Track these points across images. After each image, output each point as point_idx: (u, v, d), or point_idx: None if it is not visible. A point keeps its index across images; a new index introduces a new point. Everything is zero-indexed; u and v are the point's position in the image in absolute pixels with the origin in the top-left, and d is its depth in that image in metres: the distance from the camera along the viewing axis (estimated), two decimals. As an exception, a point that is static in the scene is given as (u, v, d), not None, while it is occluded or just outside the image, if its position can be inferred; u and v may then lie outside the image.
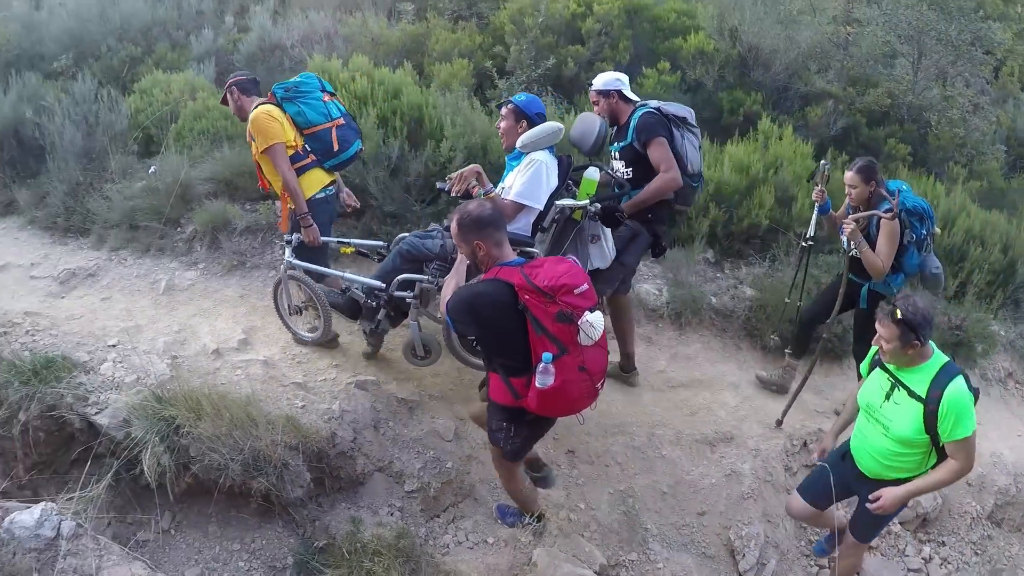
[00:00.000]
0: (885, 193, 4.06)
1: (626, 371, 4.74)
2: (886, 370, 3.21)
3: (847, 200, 4.26)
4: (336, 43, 7.01)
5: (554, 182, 3.79)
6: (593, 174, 3.86)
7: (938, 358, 3.10)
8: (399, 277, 3.86)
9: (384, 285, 3.91)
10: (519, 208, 3.74)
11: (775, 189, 5.68)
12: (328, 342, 4.44)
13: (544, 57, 6.35)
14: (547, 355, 2.74)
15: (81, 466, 4.17)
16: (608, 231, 4.00)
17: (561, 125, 3.83)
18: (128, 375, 4.16)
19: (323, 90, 4.32)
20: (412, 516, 3.84)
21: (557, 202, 3.81)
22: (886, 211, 3.96)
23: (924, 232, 4.16)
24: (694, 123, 4.20)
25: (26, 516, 2.85)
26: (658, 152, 4.01)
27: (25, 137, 7.26)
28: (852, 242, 4.06)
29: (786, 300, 4.96)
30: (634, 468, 4.35)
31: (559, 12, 6.66)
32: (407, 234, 4.13)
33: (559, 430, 4.34)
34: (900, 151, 7.02)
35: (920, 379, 3.07)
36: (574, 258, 3.50)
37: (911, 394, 3.07)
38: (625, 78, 4.26)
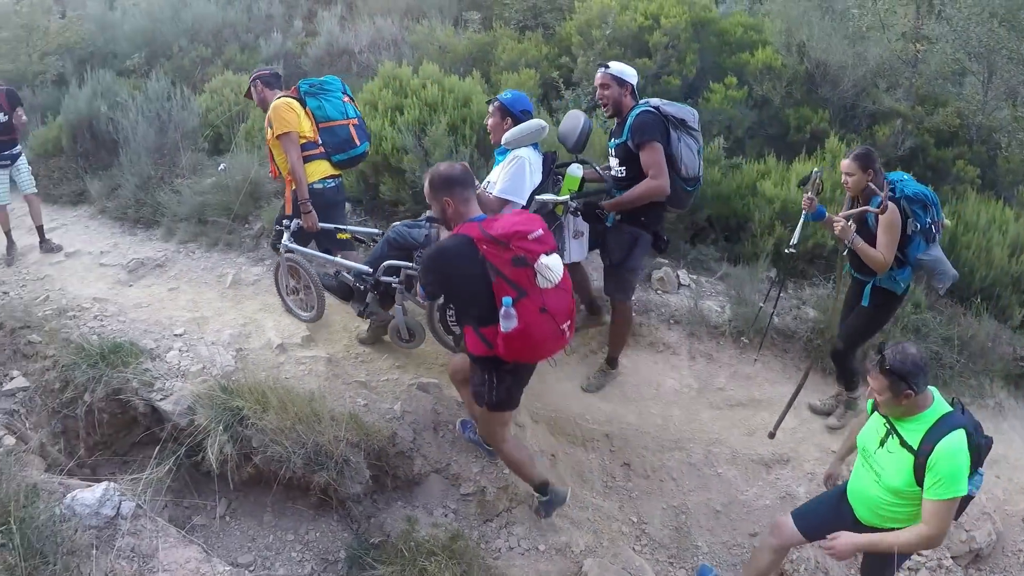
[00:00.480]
0: (874, 187, 3.82)
1: (593, 312, 4.73)
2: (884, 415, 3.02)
3: (848, 193, 4.04)
4: (403, 50, 7.12)
5: (537, 178, 3.88)
6: (575, 171, 3.97)
7: (938, 408, 2.87)
8: (385, 263, 4.05)
9: (371, 270, 4.11)
10: (503, 203, 3.83)
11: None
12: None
13: (611, 69, 6.34)
14: (507, 299, 2.85)
15: (141, 448, 4.29)
16: (586, 228, 4.09)
17: (544, 123, 3.92)
18: (193, 364, 4.26)
19: (344, 92, 4.72)
20: (466, 519, 3.83)
21: (538, 197, 3.90)
22: (877, 206, 3.76)
23: (929, 221, 3.88)
24: (695, 126, 4.09)
25: (88, 494, 2.91)
26: (649, 156, 3.93)
27: (98, 131, 7.56)
28: (845, 240, 3.88)
29: (760, 306, 4.88)
30: (689, 484, 4.29)
31: (626, 24, 6.62)
32: (398, 223, 4.29)
33: (616, 442, 4.31)
34: (969, 173, 6.79)
35: (916, 429, 2.84)
36: None
37: (903, 444, 2.86)
38: (636, 78, 4.22)
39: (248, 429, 3.63)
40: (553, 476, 4.08)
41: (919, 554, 4.24)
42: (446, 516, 3.82)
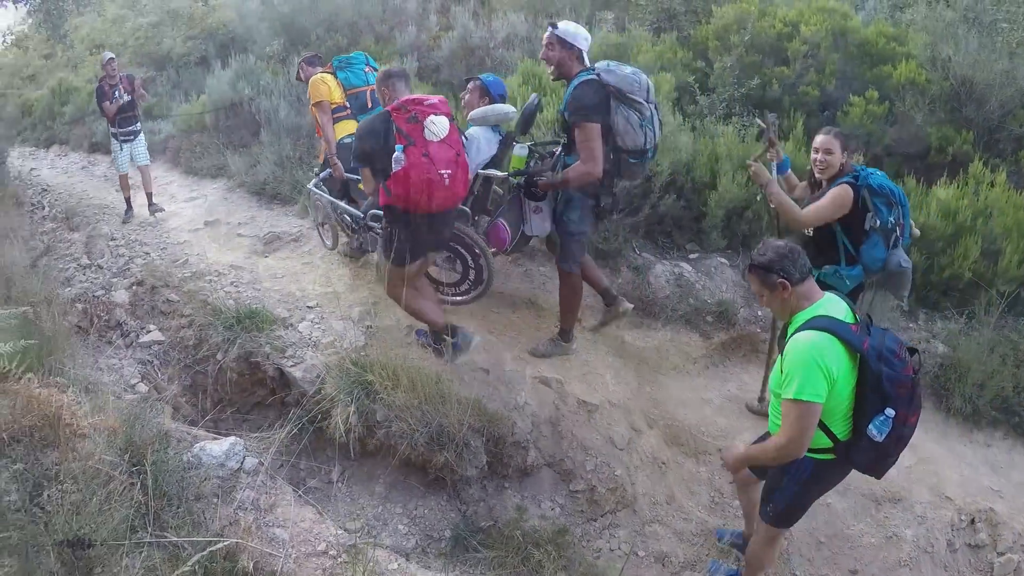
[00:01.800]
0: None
1: (608, 303, 4.66)
2: None
3: (813, 170, 3.74)
4: (536, 47, 7.18)
5: (485, 156, 4.30)
6: (520, 151, 4.27)
7: (815, 309, 2.68)
8: (371, 211, 4.62)
9: (362, 216, 4.78)
10: None
11: (982, 240, 5.21)
12: None
13: (748, 76, 6.19)
14: (399, 146, 3.66)
15: (261, 409, 4.55)
16: (546, 206, 4.25)
17: (513, 108, 4.36)
18: (325, 336, 4.48)
19: (367, 64, 5.57)
20: (572, 515, 3.89)
21: (480, 171, 4.28)
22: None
23: (892, 220, 3.55)
24: (638, 96, 3.80)
25: (215, 447, 3.15)
26: (581, 137, 3.80)
27: (240, 111, 8.04)
28: (760, 185, 3.76)
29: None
30: (796, 511, 4.17)
31: (765, 31, 6.45)
32: None
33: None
34: (1118, 208, 6.22)
35: (791, 329, 2.74)
36: (504, 221, 4.23)
37: (781, 345, 2.84)
38: (589, 42, 3.97)
39: (375, 403, 3.79)
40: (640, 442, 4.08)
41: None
42: (553, 510, 3.89)
